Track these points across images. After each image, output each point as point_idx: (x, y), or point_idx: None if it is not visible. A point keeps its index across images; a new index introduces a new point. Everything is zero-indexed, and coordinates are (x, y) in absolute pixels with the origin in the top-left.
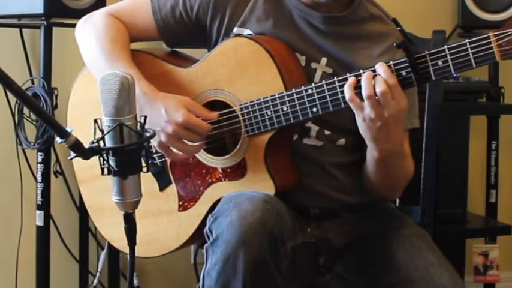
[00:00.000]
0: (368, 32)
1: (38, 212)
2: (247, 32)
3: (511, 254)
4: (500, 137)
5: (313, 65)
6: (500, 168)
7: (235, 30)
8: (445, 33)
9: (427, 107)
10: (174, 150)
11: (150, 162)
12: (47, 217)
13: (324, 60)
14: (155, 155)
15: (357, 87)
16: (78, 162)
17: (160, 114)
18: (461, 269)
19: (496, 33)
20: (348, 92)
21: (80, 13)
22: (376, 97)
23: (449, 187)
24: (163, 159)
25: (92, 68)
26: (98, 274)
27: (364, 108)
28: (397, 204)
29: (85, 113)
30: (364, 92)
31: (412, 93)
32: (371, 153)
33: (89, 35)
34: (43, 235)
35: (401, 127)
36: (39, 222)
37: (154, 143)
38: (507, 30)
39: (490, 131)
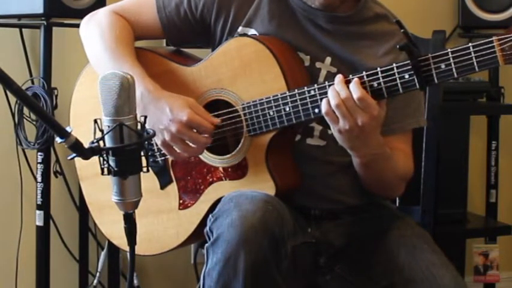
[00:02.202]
0: (373, 31)
1: (38, 212)
2: (252, 31)
3: (511, 254)
4: (500, 137)
5: (318, 65)
6: (500, 168)
7: (240, 29)
8: (445, 33)
9: (427, 107)
10: (177, 149)
11: (151, 160)
12: (47, 217)
13: (328, 59)
14: (157, 153)
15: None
16: (79, 160)
17: (164, 113)
18: (461, 269)
19: (499, 37)
20: (324, 106)
21: (80, 13)
22: (344, 106)
23: (449, 187)
24: (165, 158)
25: (96, 66)
26: (98, 274)
27: (339, 120)
28: (397, 204)
29: (88, 110)
30: (332, 102)
31: (418, 93)
32: (354, 159)
33: (93, 32)
34: (43, 235)
35: (377, 133)
36: (39, 222)
37: (157, 141)
38: (511, 35)
39: (490, 131)
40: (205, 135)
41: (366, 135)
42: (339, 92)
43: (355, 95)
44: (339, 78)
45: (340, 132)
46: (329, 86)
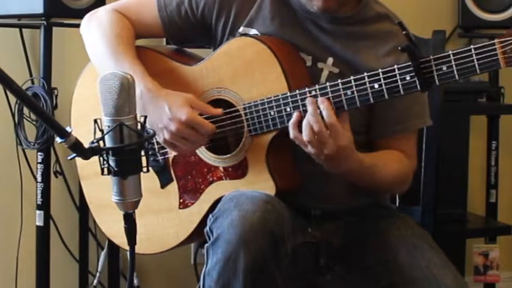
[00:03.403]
0: (374, 31)
1: (38, 212)
2: (253, 31)
3: (511, 254)
4: (500, 137)
5: (320, 65)
6: (500, 168)
7: (241, 29)
8: (445, 33)
9: None
10: (178, 145)
11: (151, 159)
12: (47, 217)
13: (330, 60)
14: (157, 152)
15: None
16: (80, 159)
17: (163, 112)
18: (461, 269)
19: (501, 39)
20: (292, 131)
21: (80, 13)
22: (316, 137)
23: (449, 187)
24: (165, 157)
25: (97, 64)
26: (98, 274)
27: (307, 146)
28: (397, 204)
29: (89, 109)
30: (305, 137)
31: (422, 94)
32: None
33: (94, 31)
34: (43, 235)
35: (351, 160)
36: (39, 222)
37: (159, 139)
38: None
39: (490, 131)
40: (206, 134)
41: (335, 161)
42: (312, 126)
43: (328, 120)
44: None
45: (310, 154)
46: (330, 86)
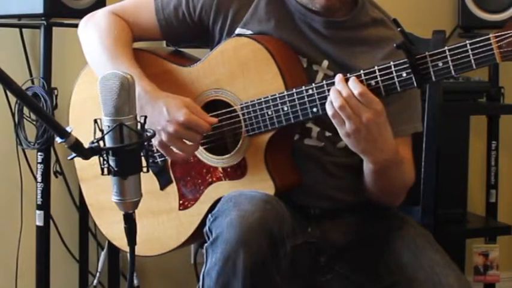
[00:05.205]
0: (370, 36)
1: (38, 212)
2: (248, 33)
3: (511, 254)
4: (500, 137)
5: (315, 67)
6: (500, 168)
7: (237, 31)
8: (445, 33)
9: (427, 107)
10: (174, 149)
11: (150, 161)
12: (47, 217)
13: (325, 63)
14: (156, 154)
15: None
16: (79, 161)
17: (161, 113)
18: (461, 269)
19: (496, 34)
20: (330, 109)
21: (80, 13)
22: (346, 102)
23: (449, 187)
24: (164, 158)
25: (94, 66)
26: (98, 274)
27: (345, 122)
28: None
29: (87, 111)
30: (336, 104)
31: (415, 98)
32: (367, 166)
33: (92, 33)
34: (43, 235)
35: (387, 133)
36: (39, 222)
37: (154, 142)
38: (507, 32)
39: (490, 131)
40: (203, 133)
41: (374, 135)
42: (340, 91)
43: (356, 91)
44: (339, 77)
45: (348, 136)
46: (327, 85)
